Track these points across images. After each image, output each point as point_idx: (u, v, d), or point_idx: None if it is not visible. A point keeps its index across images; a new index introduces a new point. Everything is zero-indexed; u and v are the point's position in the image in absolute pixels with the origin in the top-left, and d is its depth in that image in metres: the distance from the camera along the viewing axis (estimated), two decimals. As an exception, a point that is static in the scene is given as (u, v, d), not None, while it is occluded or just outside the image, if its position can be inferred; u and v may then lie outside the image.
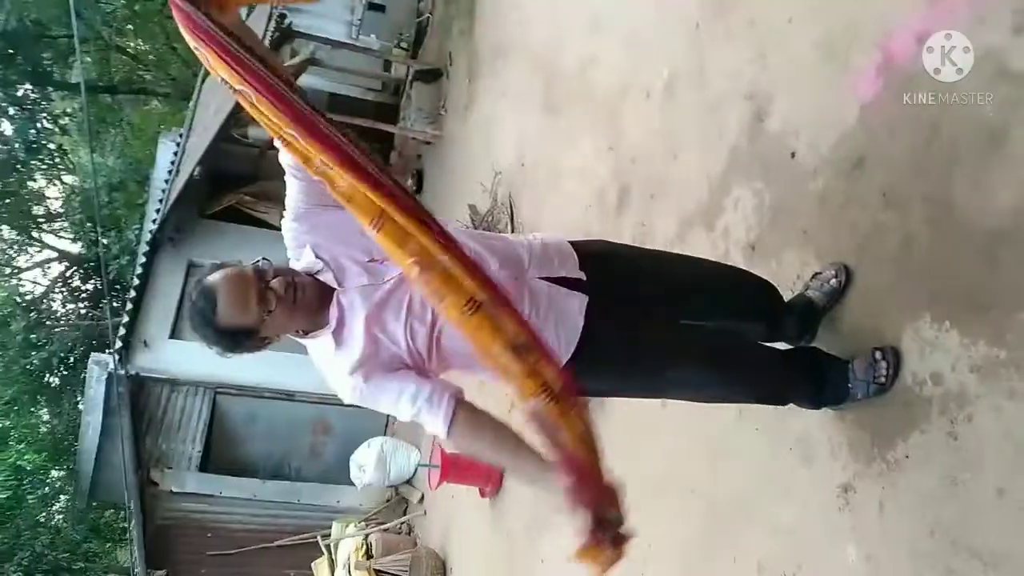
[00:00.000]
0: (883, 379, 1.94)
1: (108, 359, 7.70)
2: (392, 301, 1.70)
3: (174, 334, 8.25)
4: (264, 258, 1.71)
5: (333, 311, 1.70)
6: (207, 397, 8.20)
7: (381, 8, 10.70)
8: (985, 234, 1.76)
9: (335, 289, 1.71)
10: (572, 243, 1.97)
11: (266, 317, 1.63)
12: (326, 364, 1.74)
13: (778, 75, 2.65)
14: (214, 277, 1.66)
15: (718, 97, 2.98)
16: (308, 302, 1.68)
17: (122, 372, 7.56)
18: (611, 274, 1.92)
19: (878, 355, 1.96)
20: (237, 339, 1.66)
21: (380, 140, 10.12)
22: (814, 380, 2.04)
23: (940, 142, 1.92)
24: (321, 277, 1.72)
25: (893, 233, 2.04)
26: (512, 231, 5.39)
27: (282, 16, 7.91)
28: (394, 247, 1.40)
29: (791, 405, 2.13)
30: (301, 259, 1.77)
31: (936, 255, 1.91)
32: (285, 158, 1.67)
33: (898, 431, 1.92)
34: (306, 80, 10.13)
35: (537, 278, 1.81)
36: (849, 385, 2.00)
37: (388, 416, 8.83)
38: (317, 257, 1.74)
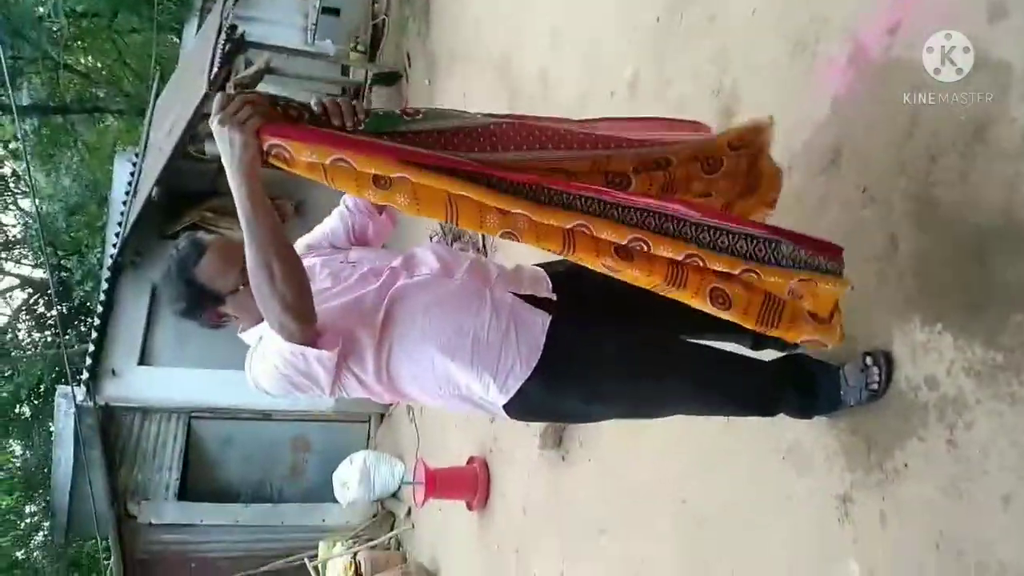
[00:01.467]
0: (876, 385, 1.86)
1: (76, 391, 7.46)
2: (346, 303, 1.72)
3: (143, 360, 8.02)
4: None
5: None
6: (181, 422, 7.98)
7: (335, 12, 10.50)
8: (974, 232, 1.69)
9: None
10: (542, 264, 1.92)
11: (241, 288, 1.65)
12: (255, 349, 1.74)
13: (744, 70, 2.56)
14: (208, 237, 1.73)
15: (683, 96, 2.89)
16: None
17: (90, 404, 7.32)
18: (581, 289, 1.85)
19: (868, 360, 1.88)
20: (201, 301, 1.69)
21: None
22: (804, 388, 1.95)
23: (920, 135, 1.84)
24: None
25: (876, 231, 1.96)
26: (482, 241, 5.27)
27: (233, 27, 7.70)
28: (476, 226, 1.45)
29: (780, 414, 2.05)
30: None
31: (923, 254, 1.83)
32: (349, 200, 1.87)
33: (895, 439, 1.84)
34: (262, 89, 9.93)
35: (504, 291, 1.77)
36: (840, 392, 1.92)
37: (370, 428, 8.74)
38: None
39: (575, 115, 3.81)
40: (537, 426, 3.83)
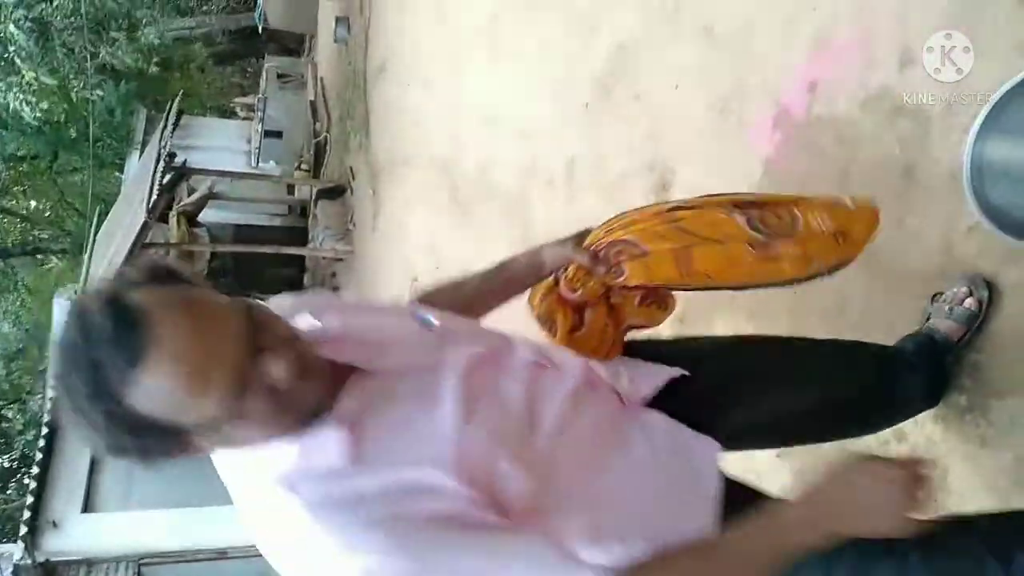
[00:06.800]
0: None
1: (13, 549, 6.92)
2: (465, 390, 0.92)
3: (87, 507, 7.53)
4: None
5: (349, 402, 0.88)
6: (130, 572, 7.43)
7: (278, 135, 10.68)
8: (921, 279, 1.65)
9: (354, 370, 0.91)
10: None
11: (235, 420, 0.77)
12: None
13: (675, 142, 2.58)
14: (160, 297, 0.76)
15: (620, 173, 2.90)
16: (308, 399, 0.84)
17: (28, 562, 6.78)
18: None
19: None
20: (142, 438, 0.76)
21: (291, 264, 9.88)
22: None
23: (852, 184, 1.83)
24: (329, 351, 0.89)
25: (823, 289, 1.90)
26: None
27: (172, 155, 7.69)
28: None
29: None
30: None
31: (871, 308, 1.78)
32: None
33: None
34: (208, 215, 9.90)
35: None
36: None
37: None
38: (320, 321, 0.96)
39: (518, 206, 3.83)
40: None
